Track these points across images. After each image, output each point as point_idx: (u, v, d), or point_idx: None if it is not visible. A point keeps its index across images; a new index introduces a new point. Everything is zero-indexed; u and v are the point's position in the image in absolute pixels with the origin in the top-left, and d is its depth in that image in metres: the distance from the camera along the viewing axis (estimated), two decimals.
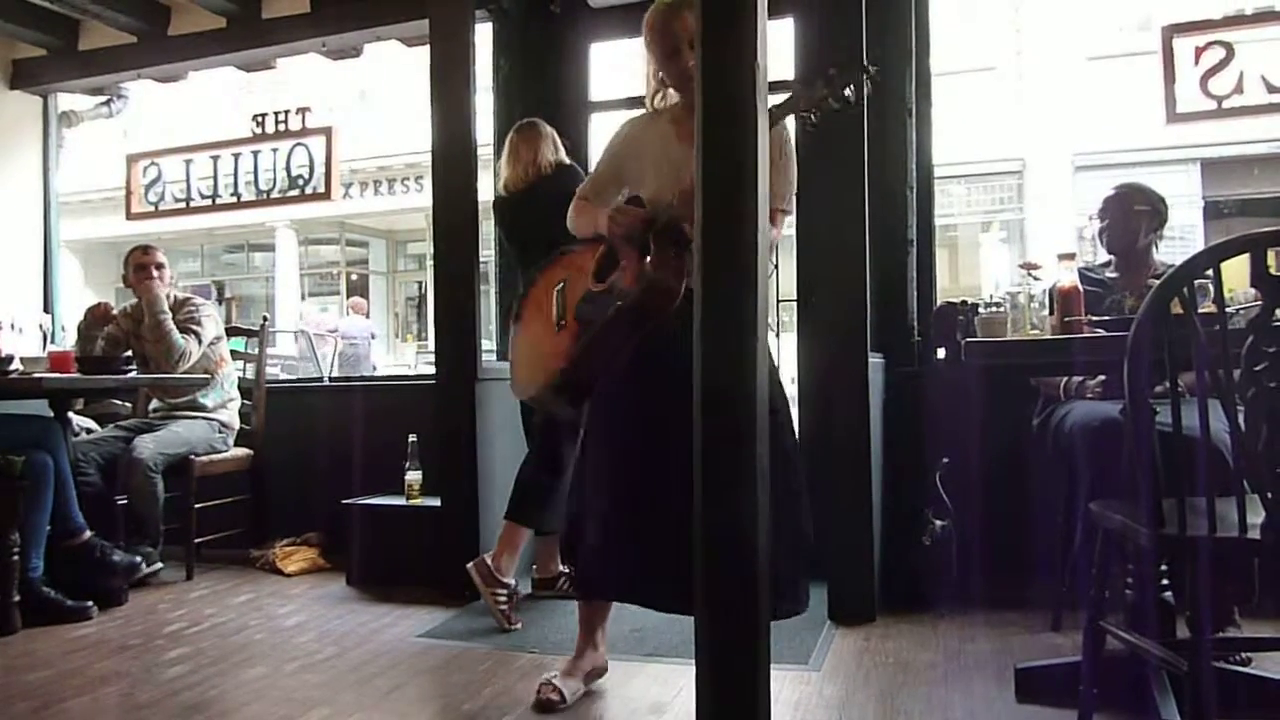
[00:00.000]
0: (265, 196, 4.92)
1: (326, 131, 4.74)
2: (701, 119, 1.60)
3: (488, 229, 4.01)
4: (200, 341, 3.88)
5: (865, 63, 2.18)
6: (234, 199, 4.95)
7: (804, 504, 2.22)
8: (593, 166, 2.55)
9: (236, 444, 4.08)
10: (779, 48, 3.62)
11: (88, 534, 3.28)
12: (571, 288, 2.32)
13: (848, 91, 2.08)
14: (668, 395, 2.15)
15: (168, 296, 3.96)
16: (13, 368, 3.26)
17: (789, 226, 3.72)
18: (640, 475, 2.18)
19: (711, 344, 1.59)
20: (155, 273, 3.92)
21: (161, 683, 2.51)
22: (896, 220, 3.40)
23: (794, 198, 2.34)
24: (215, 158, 4.95)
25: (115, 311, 4.00)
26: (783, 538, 2.07)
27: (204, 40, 4.65)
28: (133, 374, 3.73)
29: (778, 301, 3.85)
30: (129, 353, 3.93)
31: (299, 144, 4.75)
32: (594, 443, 2.31)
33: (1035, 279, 2.42)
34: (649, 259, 2.14)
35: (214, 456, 3.92)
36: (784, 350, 3.87)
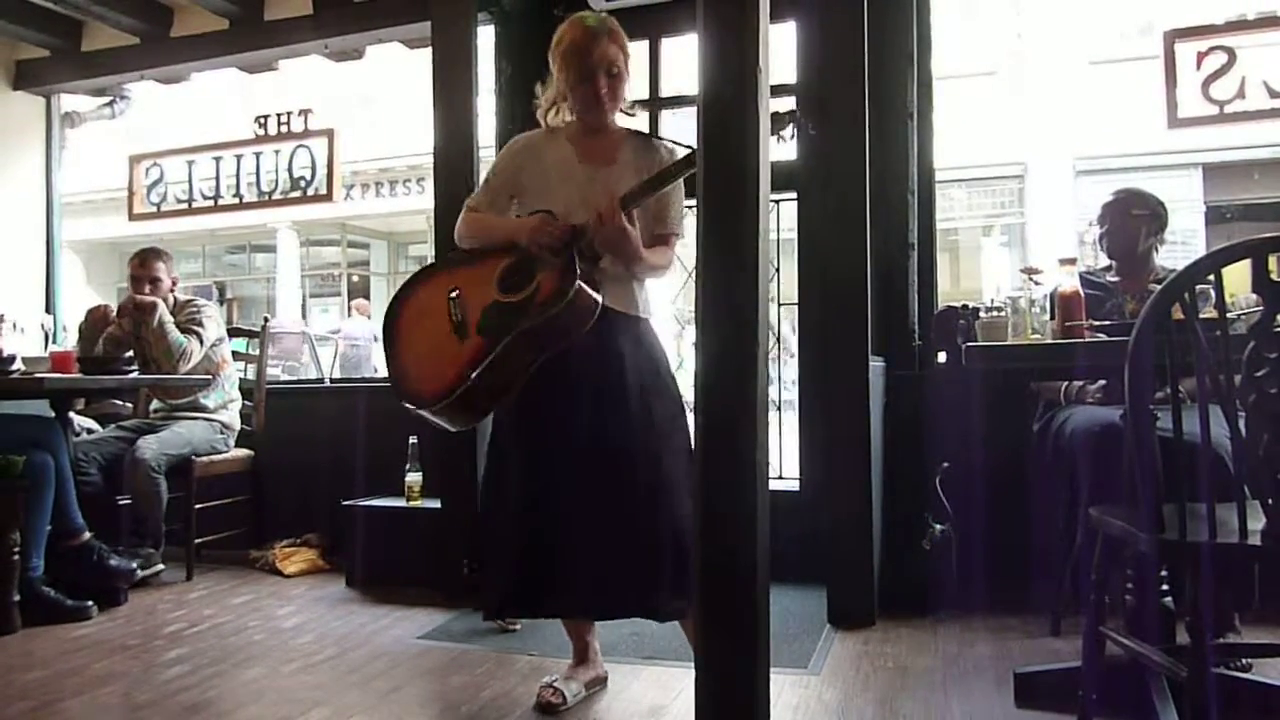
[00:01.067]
0: (267, 198, 4.92)
1: (328, 133, 4.75)
2: (702, 122, 1.60)
3: None
4: (202, 342, 3.88)
5: (795, 111, 2.19)
6: (236, 200, 4.95)
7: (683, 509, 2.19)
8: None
9: (237, 445, 4.08)
10: (780, 51, 3.62)
11: (86, 535, 3.28)
12: (469, 296, 2.23)
13: (782, 136, 2.14)
14: (580, 409, 2.19)
15: (170, 299, 3.96)
16: (14, 368, 3.26)
17: (788, 229, 3.77)
18: (553, 489, 2.17)
19: (711, 346, 1.59)
20: (149, 287, 3.90)
21: (160, 683, 2.51)
22: (897, 224, 3.40)
23: (680, 221, 2.35)
24: (217, 159, 4.95)
25: (115, 315, 3.99)
26: (660, 539, 2.12)
27: (206, 42, 4.66)
28: (134, 374, 3.73)
29: (779, 304, 3.85)
30: (130, 353, 3.93)
31: (301, 145, 4.75)
32: (504, 459, 2.28)
33: (1036, 283, 2.42)
34: (576, 274, 2.12)
35: (215, 457, 3.92)
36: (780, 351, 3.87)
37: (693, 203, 1.72)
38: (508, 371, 2.15)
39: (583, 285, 2.13)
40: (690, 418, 2.09)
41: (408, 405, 2.21)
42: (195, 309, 3.97)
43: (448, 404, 2.16)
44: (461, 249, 2.39)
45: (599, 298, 2.17)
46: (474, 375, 2.12)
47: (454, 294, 2.25)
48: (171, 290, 4.00)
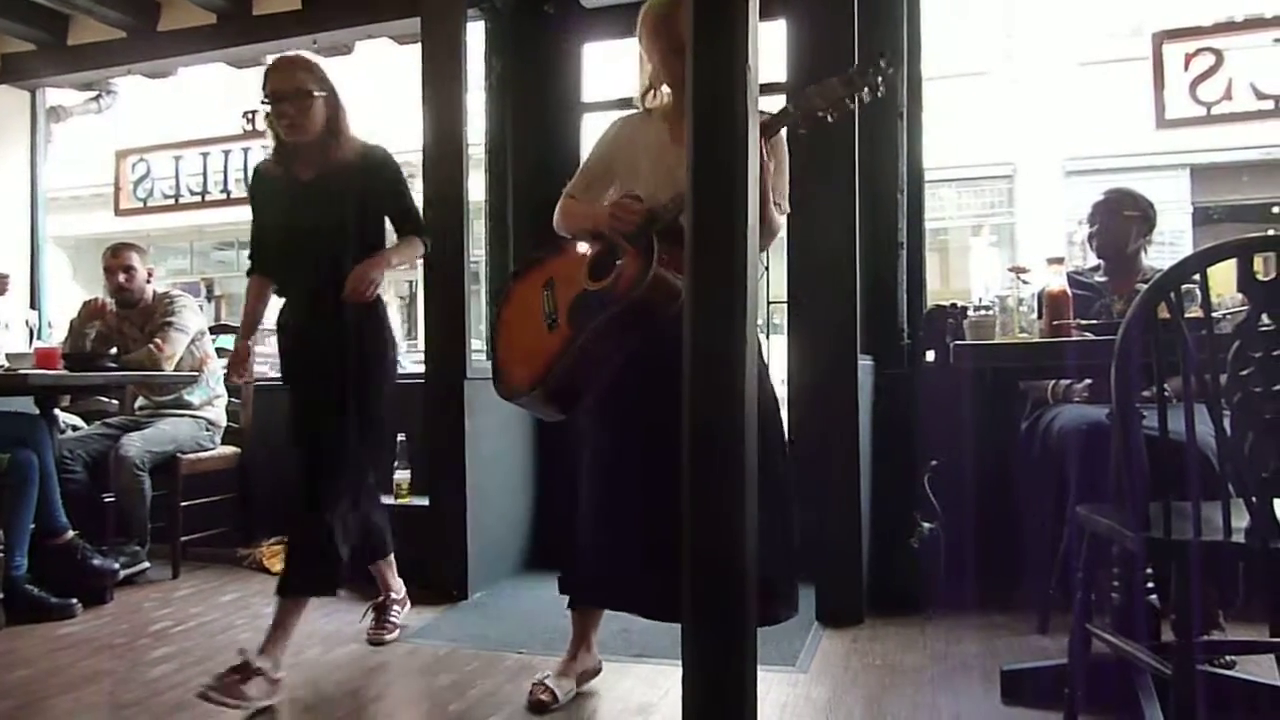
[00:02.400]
0: None
1: None
2: (692, 121, 1.60)
3: (479, 228, 4.01)
4: (178, 330, 3.84)
5: (879, 56, 2.16)
6: (224, 196, 4.94)
7: (793, 508, 2.22)
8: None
9: (224, 442, 4.06)
10: (771, 50, 3.62)
11: (70, 534, 3.27)
12: (561, 286, 2.26)
13: (865, 92, 2.11)
14: (666, 398, 2.15)
15: (149, 292, 3.95)
16: None
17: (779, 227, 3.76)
18: (639, 481, 2.16)
19: (700, 346, 1.59)
20: (123, 276, 3.89)
21: (146, 682, 2.50)
22: (887, 223, 3.41)
23: (787, 197, 2.34)
24: (205, 154, 4.94)
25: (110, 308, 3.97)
26: (773, 542, 2.07)
27: (194, 36, 4.62)
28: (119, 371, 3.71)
29: (769, 303, 3.85)
30: (115, 349, 3.91)
31: None
32: (593, 448, 2.28)
33: (1024, 283, 2.43)
34: (654, 257, 2.11)
35: (201, 455, 3.90)
36: (774, 351, 3.87)
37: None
38: (593, 360, 2.16)
39: (660, 269, 2.09)
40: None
41: (502, 395, 2.28)
42: (171, 301, 3.95)
43: (534, 395, 2.20)
44: (559, 239, 2.40)
45: (681, 281, 2.11)
46: (561, 365, 2.15)
47: (548, 285, 2.28)
48: (148, 281, 3.98)
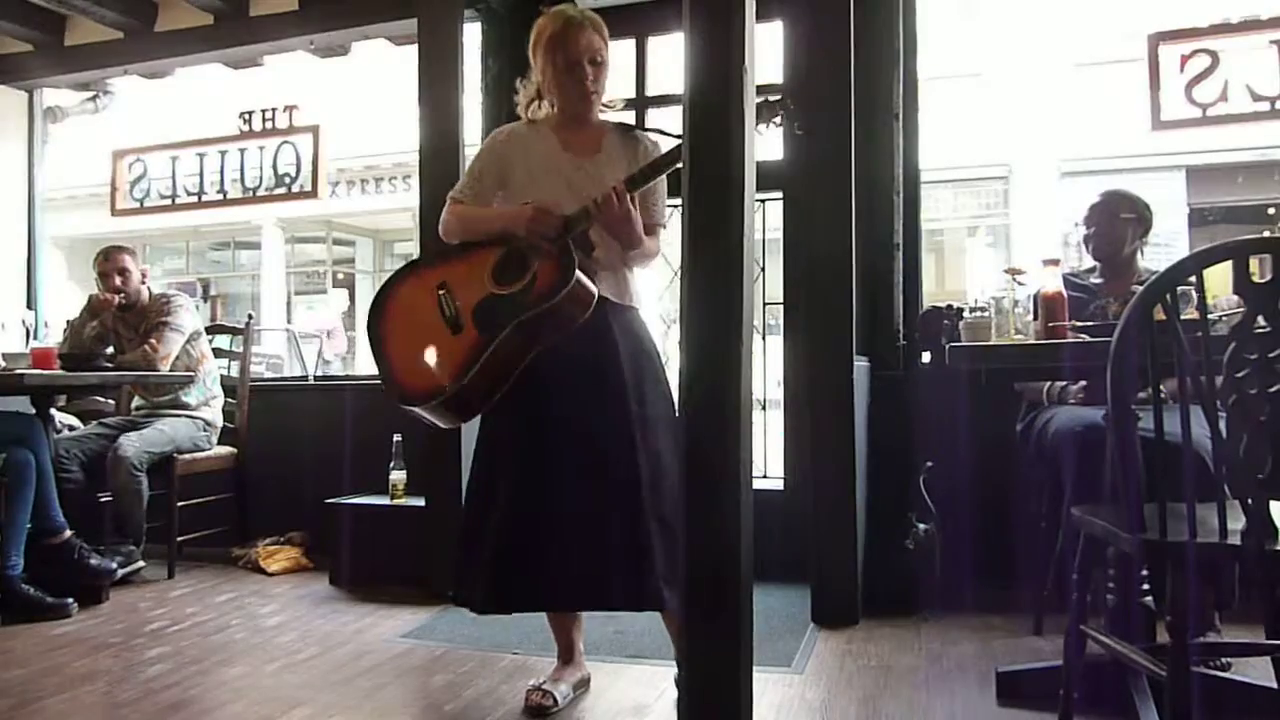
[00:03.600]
0: (251, 194, 4.88)
1: (313, 129, 4.72)
2: (688, 121, 1.60)
3: None
4: (173, 330, 3.84)
5: (784, 99, 2.20)
6: (220, 196, 4.92)
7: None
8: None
9: (220, 442, 4.06)
10: (766, 51, 3.62)
11: (67, 533, 3.26)
12: (459, 291, 2.21)
13: (765, 126, 2.15)
14: (574, 400, 2.17)
15: (144, 292, 3.95)
16: None
17: (774, 229, 3.78)
18: (546, 482, 2.15)
19: (696, 345, 1.59)
20: (118, 279, 3.89)
21: (141, 681, 2.49)
22: (883, 224, 3.41)
23: (664, 210, 2.37)
24: (201, 154, 4.92)
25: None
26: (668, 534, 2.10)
27: (191, 37, 4.62)
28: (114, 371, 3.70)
29: (765, 304, 3.85)
30: (110, 349, 3.91)
31: (286, 142, 4.72)
32: (495, 452, 2.25)
33: (1020, 284, 2.43)
34: (574, 262, 2.12)
35: (197, 455, 3.90)
36: (770, 353, 3.88)
37: (677, 201, 1.72)
38: (505, 365, 2.14)
39: (581, 274, 2.12)
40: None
41: (401, 404, 2.18)
42: (167, 301, 3.94)
43: (443, 401, 2.13)
44: (445, 244, 2.36)
45: (594, 288, 2.16)
46: (474, 369, 2.10)
47: (443, 289, 2.22)
48: (143, 282, 3.98)
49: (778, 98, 2.19)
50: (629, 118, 2.28)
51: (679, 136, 2.13)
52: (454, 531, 2.26)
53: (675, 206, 2.15)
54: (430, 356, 2.20)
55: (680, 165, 2.12)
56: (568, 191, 2.22)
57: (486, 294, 2.18)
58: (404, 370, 2.24)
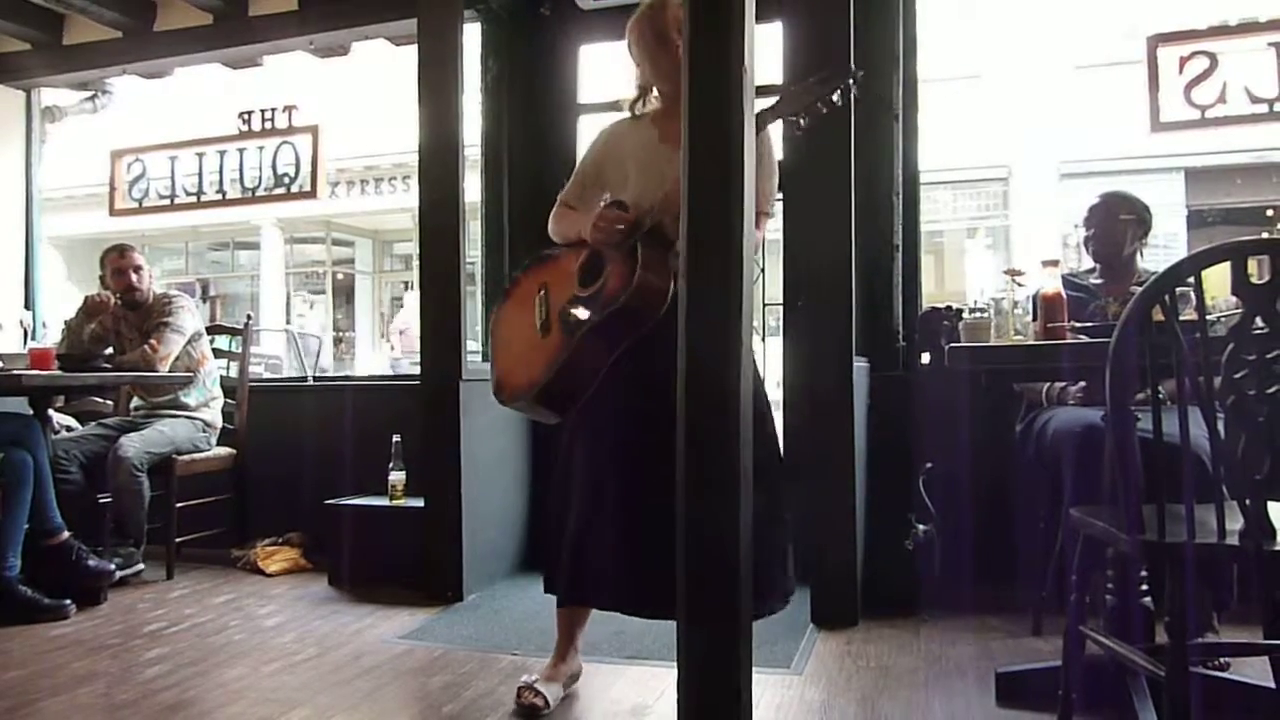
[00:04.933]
0: (250, 194, 4.88)
1: (313, 129, 4.72)
2: (688, 122, 1.60)
3: (474, 229, 4.01)
4: (174, 331, 3.85)
5: (852, 66, 2.19)
6: (219, 196, 4.92)
7: (784, 510, 2.24)
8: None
9: (219, 443, 4.06)
10: (767, 51, 3.62)
11: (65, 534, 3.26)
12: (554, 292, 2.29)
13: (835, 96, 2.08)
14: (656, 398, 2.15)
15: (148, 293, 3.95)
16: None
17: (774, 230, 3.77)
18: (630, 481, 2.16)
19: (695, 346, 1.59)
20: (134, 275, 3.90)
21: (139, 683, 2.49)
22: (883, 225, 3.41)
23: (776, 200, 2.36)
24: (200, 154, 4.92)
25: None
26: (767, 537, 2.09)
27: (190, 37, 4.62)
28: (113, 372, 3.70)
29: (764, 305, 3.85)
30: (109, 350, 3.91)
31: (285, 142, 4.72)
32: (583, 448, 2.27)
33: (1019, 285, 2.43)
34: (638, 261, 2.13)
35: (196, 455, 3.89)
36: (770, 354, 3.87)
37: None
38: (585, 363, 2.19)
39: (645, 273, 2.11)
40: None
41: (499, 399, 2.32)
42: (169, 301, 3.95)
43: (529, 400, 2.24)
44: (554, 245, 2.42)
45: (668, 284, 2.12)
46: (555, 371, 2.18)
47: (542, 291, 2.31)
48: (150, 284, 3.99)
49: (850, 68, 2.16)
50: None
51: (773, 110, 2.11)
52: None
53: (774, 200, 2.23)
54: (523, 356, 2.30)
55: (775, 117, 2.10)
56: (659, 185, 2.18)
57: (571, 296, 2.24)
58: (503, 368, 2.38)
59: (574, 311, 2.22)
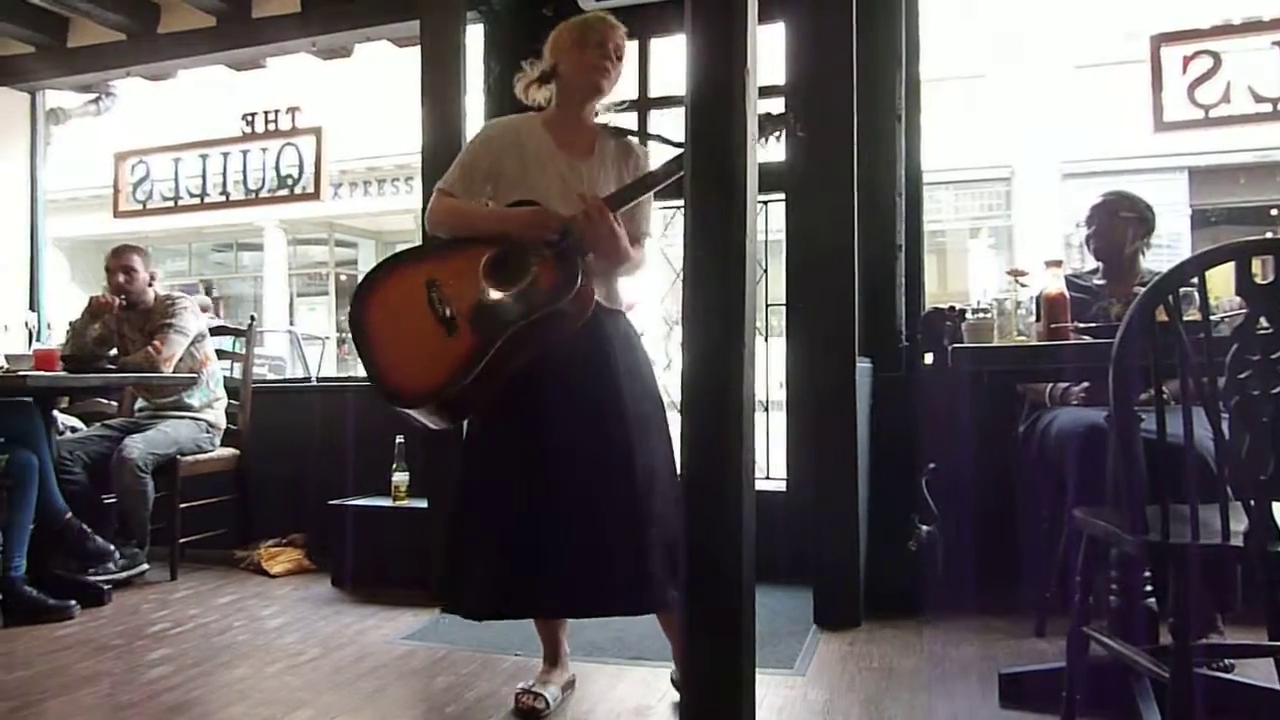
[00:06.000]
0: (254, 196, 4.89)
1: (316, 131, 4.73)
2: (690, 123, 1.60)
3: None
4: (177, 332, 3.85)
5: (787, 113, 2.21)
6: (222, 198, 4.93)
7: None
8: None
9: (223, 444, 4.06)
10: (769, 53, 3.62)
11: (68, 516, 3.31)
12: (449, 289, 2.14)
13: (770, 139, 2.18)
14: (569, 405, 2.16)
15: (150, 294, 3.96)
16: None
17: (776, 230, 3.78)
18: (541, 487, 2.13)
19: (698, 348, 1.59)
20: (123, 277, 3.91)
21: (143, 683, 2.49)
22: (885, 226, 3.41)
23: (650, 221, 2.38)
24: (204, 156, 4.93)
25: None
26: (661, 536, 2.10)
27: (193, 39, 4.63)
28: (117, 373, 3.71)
29: (767, 305, 3.85)
30: (114, 351, 3.91)
31: (288, 144, 4.73)
32: (486, 458, 2.23)
33: (1022, 285, 2.43)
34: (580, 269, 2.10)
35: (200, 456, 3.90)
36: (772, 354, 3.87)
37: (680, 203, 1.72)
38: (501, 367, 2.10)
39: (588, 280, 2.11)
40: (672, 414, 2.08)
41: (392, 404, 2.12)
42: (172, 303, 3.95)
43: (440, 402, 2.09)
44: (431, 238, 2.33)
45: (594, 291, 2.15)
46: (474, 372, 2.04)
47: (433, 286, 2.15)
48: (150, 284, 3.99)
49: (781, 111, 2.20)
50: (629, 120, 2.27)
51: (679, 145, 2.12)
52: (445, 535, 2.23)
53: (678, 208, 2.13)
54: (423, 357, 2.11)
55: (670, 179, 2.13)
56: (561, 190, 2.20)
57: (482, 294, 2.13)
58: (395, 370, 2.15)
59: (491, 311, 2.10)
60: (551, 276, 2.11)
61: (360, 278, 2.39)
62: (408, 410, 2.12)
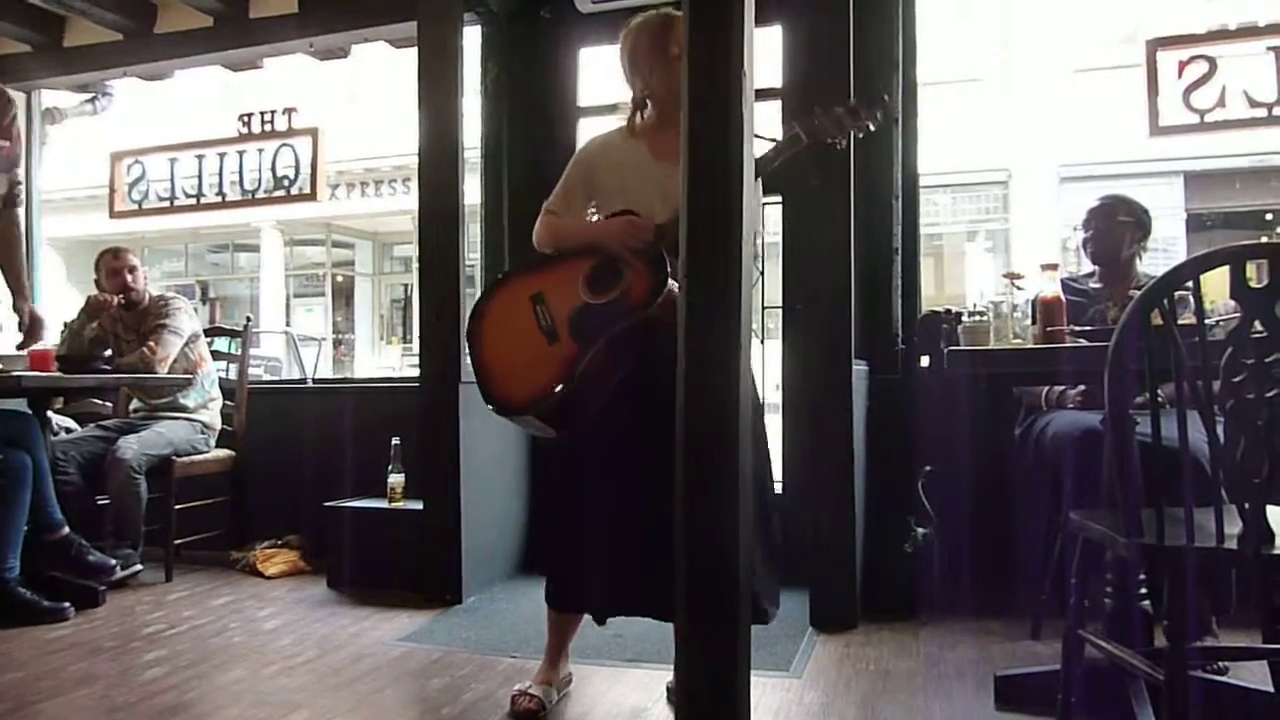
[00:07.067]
0: (250, 196, 4.89)
1: (313, 132, 4.72)
2: (687, 126, 1.60)
3: (474, 232, 4.01)
4: (172, 333, 3.85)
5: (883, 93, 2.24)
6: (219, 199, 4.92)
7: (773, 511, 2.27)
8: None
9: (218, 445, 4.06)
10: (766, 55, 3.63)
11: (66, 530, 3.26)
12: (554, 300, 2.24)
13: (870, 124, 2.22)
14: (668, 408, 2.16)
15: (144, 295, 3.96)
16: None
17: (774, 232, 3.78)
18: (640, 489, 2.14)
19: (694, 352, 1.59)
20: (129, 276, 3.91)
21: (138, 685, 2.49)
22: (882, 229, 3.41)
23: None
24: (200, 157, 4.92)
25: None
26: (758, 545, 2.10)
27: (190, 39, 4.62)
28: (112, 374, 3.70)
29: (764, 308, 3.85)
30: (109, 352, 3.91)
31: (285, 144, 4.73)
32: (592, 456, 2.26)
33: (1019, 289, 2.44)
34: (666, 271, 2.12)
35: (195, 457, 3.89)
36: (769, 357, 3.87)
37: (777, 199, 1.72)
38: (601, 374, 2.16)
39: (674, 282, 2.10)
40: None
41: (500, 413, 2.23)
42: (166, 303, 3.95)
43: (545, 408, 2.17)
44: (537, 254, 2.39)
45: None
46: (574, 376, 2.13)
47: (537, 299, 2.25)
48: (145, 286, 4.00)
49: (877, 94, 2.27)
50: None
51: (773, 140, 2.18)
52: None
53: (774, 203, 2.06)
54: (527, 366, 2.22)
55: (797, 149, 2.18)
56: (660, 199, 2.20)
57: (581, 303, 2.20)
58: (502, 379, 2.27)
59: (588, 319, 2.18)
60: (643, 283, 2.16)
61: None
62: (519, 418, 2.22)
